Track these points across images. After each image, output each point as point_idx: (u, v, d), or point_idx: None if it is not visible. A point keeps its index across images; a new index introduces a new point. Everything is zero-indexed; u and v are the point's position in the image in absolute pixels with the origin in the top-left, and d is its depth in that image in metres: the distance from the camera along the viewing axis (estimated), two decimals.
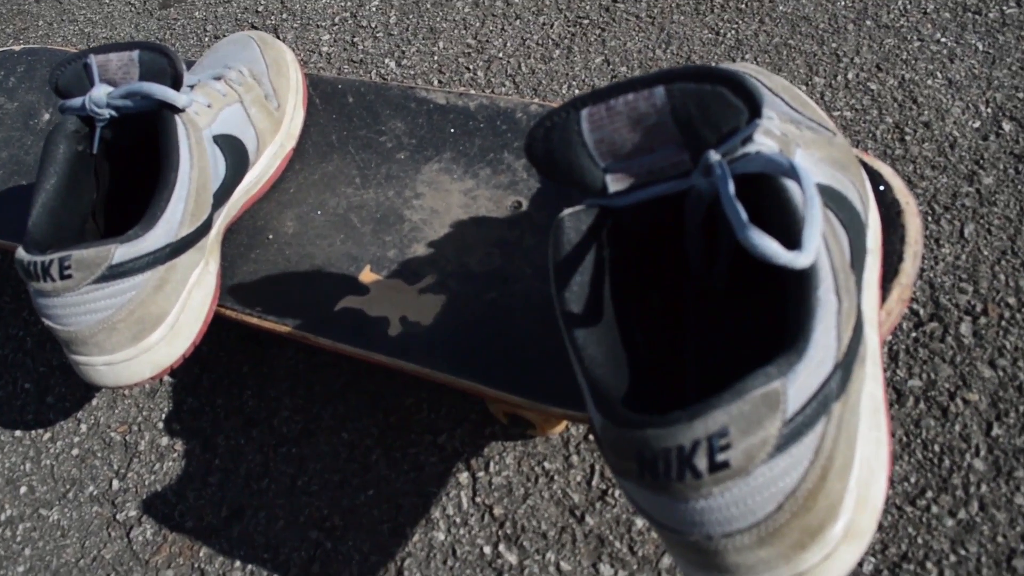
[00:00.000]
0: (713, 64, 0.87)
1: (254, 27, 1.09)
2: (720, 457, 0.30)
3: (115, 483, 0.70)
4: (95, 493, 0.70)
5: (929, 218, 0.69)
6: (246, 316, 0.64)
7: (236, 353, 0.75)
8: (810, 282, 0.33)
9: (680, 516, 0.31)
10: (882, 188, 0.53)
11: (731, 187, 0.34)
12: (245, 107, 0.69)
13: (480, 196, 0.66)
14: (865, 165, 0.55)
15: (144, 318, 0.58)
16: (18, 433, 0.75)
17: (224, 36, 1.10)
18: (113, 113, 0.61)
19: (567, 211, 0.39)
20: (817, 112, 0.54)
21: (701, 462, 0.30)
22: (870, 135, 0.76)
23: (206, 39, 1.10)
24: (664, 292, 0.44)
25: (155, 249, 0.57)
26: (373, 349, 0.59)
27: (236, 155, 0.67)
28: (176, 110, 0.60)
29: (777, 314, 0.39)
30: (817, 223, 0.32)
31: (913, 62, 0.81)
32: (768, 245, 0.31)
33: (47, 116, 0.87)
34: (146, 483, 0.69)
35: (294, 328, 0.62)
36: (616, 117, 0.37)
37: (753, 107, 0.35)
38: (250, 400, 0.72)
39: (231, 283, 0.66)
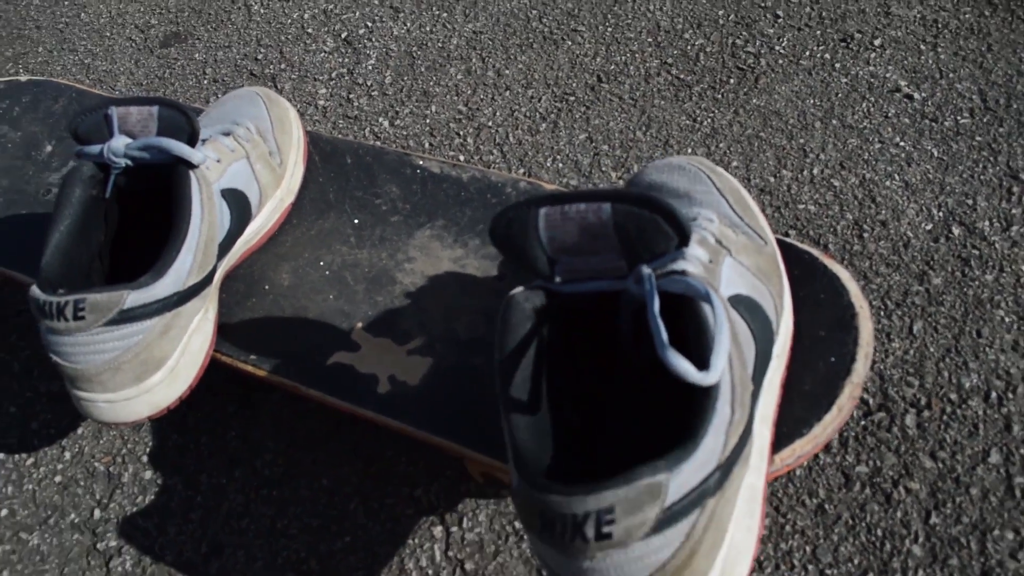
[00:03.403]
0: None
1: (252, 75, 1.13)
2: (605, 529, 0.35)
3: (97, 512, 0.72)
4: (76, 521, 0.72)
5: (881, 313, 0.75)
6: (241, 363, 0.68)
7: (222, 394, 0.78)
8: (711, 394, 0.39)
9: (568, 570, 0.37)
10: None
11: (656, 305, 0.40)
12: (251, 163, 0.73)
13: (468, 265, 0.71)
14: (825, 268, 0.60)
15: (148, 360, 0.62)
16: (0, 456, 0.77)
17: (222, 80, 1.14)
18: (129, 163, 0.64)
19: (518, 289, 0.45)
20: (756, 218, 0.60)
21: (590, 530, 0.35)
22: (831, 230, 0.82)
23: (204, 81, 1.14)
24: (596, 371, 0.50)
25: (164, 296, 0.61)
26: (362, 405, 0.63)
27: (240, 208, 0.70)
28: (191, 166, 0.64)
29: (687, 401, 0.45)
30: (724, 349, 0.39)
31: (874, 163, 0.88)
32: (681, 365, 0.37)
33: (49, 148, 0.90)
34: (127, 514, 0.72)
35: (287, 378, 0.66)
36: (568, 221, 0.43)
37: (682, 237, 0.42)
38: (234, 440, 0.75)
39: (227, 330, 0.70)
